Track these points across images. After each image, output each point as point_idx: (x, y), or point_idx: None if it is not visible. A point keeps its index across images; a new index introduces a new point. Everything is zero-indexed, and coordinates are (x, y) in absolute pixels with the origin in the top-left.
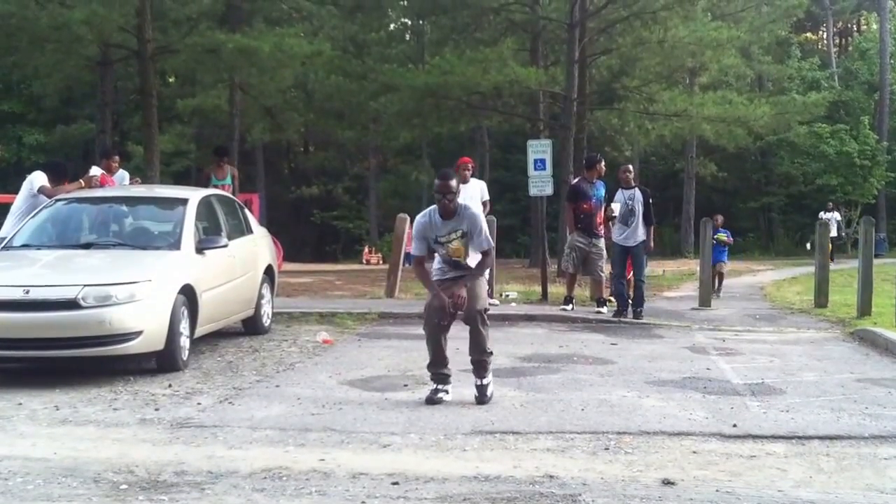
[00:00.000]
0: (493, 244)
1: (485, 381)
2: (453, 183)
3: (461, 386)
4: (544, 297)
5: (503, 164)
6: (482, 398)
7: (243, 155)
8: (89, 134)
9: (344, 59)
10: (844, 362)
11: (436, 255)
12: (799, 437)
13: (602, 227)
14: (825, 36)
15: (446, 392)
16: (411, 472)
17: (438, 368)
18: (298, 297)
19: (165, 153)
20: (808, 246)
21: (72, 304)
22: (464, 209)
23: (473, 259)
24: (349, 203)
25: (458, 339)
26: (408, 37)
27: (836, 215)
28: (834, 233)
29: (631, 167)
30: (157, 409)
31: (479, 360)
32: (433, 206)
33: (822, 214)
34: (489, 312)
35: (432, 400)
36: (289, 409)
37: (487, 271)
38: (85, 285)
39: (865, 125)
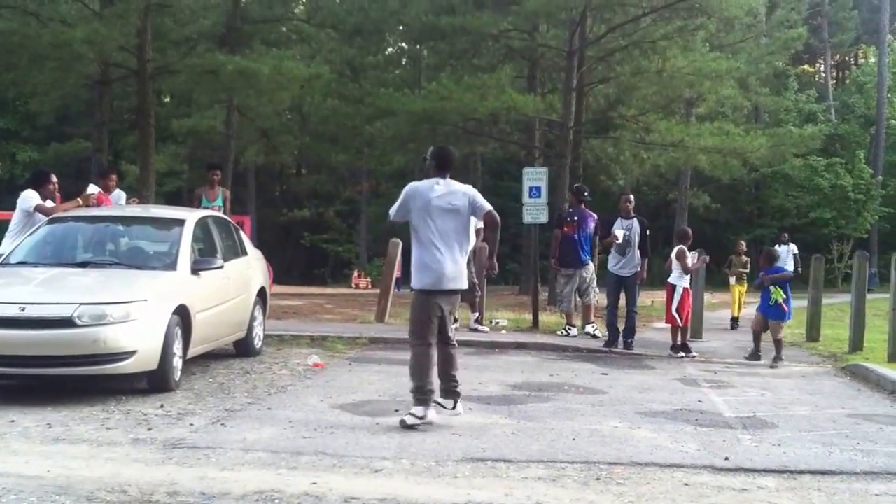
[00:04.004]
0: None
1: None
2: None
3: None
4: (535, 325)
5: (494, 190)
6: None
7: (235, 177)
8: (83, 152)
9: (340, 82)
10: (836, 397)
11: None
12: (791, 472)
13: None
14: (822, 68)
15: (442, 407)
16: (403, 498)
17: (422, 383)
18: (289, 320)
19: (158, 173)
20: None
21: (67, 323)
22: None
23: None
24: (340, 226)
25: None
26: (404, 61)
27: (793, 247)
28: (790, 267)
29: (632, 197)
30: (149, 429)
31: (448, 387)
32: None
33: (776, 248)
34: (478, 339)
35: (407, 423)
36: (281, 432)
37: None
38: (81, 304)
39: (861, 159)
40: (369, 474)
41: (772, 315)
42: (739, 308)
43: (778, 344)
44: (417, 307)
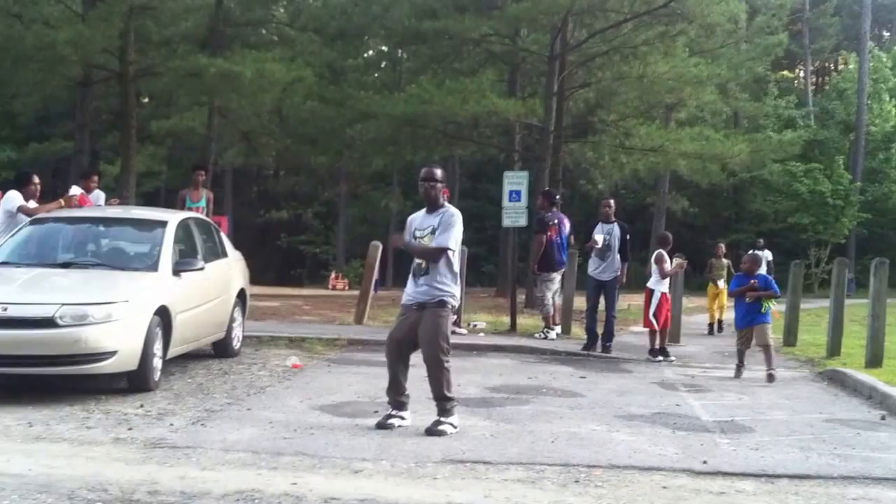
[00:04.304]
0: (450, 246)
1: (442, 419)
2: (438, 171)
3: (431, 414)
4: (513, 327)
5: (472, 193)
6: (431, 430)
7: (213, 178)
8: (62, 152)
9: (321, 84)
10: (813, 402)
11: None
12: (768, 476)
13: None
14: (803, 74)
15: (401, 418)
16: (383, 499)
17: (394, 395)
18: (267, 321)
19: (136, 173)
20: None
21: (49, 323)
22: (446, 208)
23: (434, 267)
24: (317, 228)
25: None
26: (384, 64)
27: (768, 254)
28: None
29: (612, 202)
30: (129, 429)
31: (438, 403)
32: None
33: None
34: (455, 342)
35: (382, 425)
36: (261, 433)
37: (456, 302)
38: (63, 304)
39: (840, 165)
40: (349, 475)
41: (760, 320)
42: (722, 312)
43: (768, 351)
44: (449, 325)
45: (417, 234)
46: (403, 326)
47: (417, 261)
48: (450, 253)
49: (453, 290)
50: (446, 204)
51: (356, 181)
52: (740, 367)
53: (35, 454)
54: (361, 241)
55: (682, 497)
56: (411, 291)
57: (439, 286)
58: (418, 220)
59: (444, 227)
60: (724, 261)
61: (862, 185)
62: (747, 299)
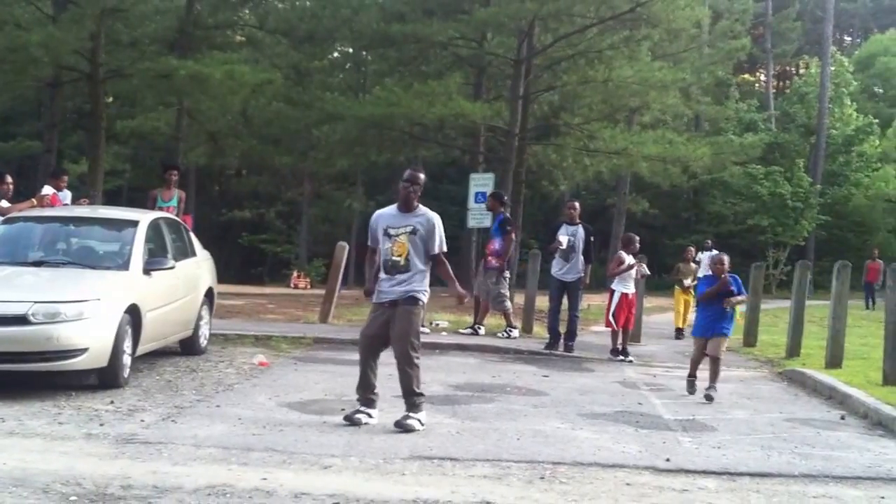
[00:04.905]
0: (444, 250)
1: (410, 414)
2: (422, 176)
3: (397, 413)
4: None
5: (433, 194)
6: (400, 423)
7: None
8: (27, 151)
9: (286, 86)
10: (774, 402)
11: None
12: (730, 474)
13: (490, 258)
14: (764, 78)
15: (369, 415)
16: (352, 494)
17: (364, 392)
18: (232, 319)
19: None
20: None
21: (21, 320)
22: (424, 211)
23: (414, 265)
24: (280, 227)
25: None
26: (348, 66)
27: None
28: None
29: (577, 204)
30: (101, 425)
31: (407, 399)
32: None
33: (701, 254)
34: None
35: (350, 419)
36: (230, 429)
37: (426, 298)
38: (35, 302)
39: (800, 168)
40: (319, 470)
41: (721, 331)
42: (685, 318)
43: (716, 365)
44: (420, 322)
45: (391, 231)
46: (375, 323)
47: (395, 257)
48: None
49: (426, 288)
50: (421, 206)
51: (319, 181)
52: (692, 380)
53: (8, 449)
54: (324, 241)
55: (645, 494)
56: (386, 289)
57: (414, 284)
58: (389, 217)
59: (438, 234)
60: (693, 265)
61: (822, 188)
62: (726, 307)
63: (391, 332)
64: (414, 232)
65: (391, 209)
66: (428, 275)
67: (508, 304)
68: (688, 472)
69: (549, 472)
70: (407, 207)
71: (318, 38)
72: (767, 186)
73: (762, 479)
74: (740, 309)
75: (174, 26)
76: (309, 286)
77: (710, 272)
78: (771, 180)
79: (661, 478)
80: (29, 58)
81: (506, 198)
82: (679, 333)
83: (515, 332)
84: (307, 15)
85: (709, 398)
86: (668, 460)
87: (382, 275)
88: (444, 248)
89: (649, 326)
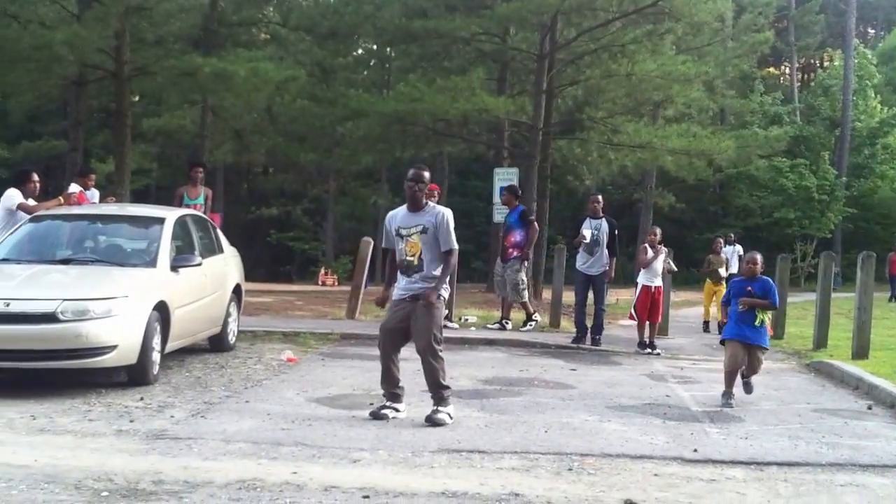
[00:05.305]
0: (456, 247)
1: (440, 409)
2: (426, 174)
3: (425, 407)
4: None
5: (460, 190)
6: (430, 418)
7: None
8: (53, 150)
9: (310, 83)
10: (801, 393)
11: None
12: (758, 463)
13: (511, 250)
14: (788, 71)
15: (395, 410)
16: (381, 487)
17: (388, 387)
18: (260, 316)
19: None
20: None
21: (50, 318)
22: (432, 208)
23: (429, 263)
24: (306, 225)
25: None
26: (373, 63)
27: (739, 248)
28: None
29: (600, 198)
30: (131, 421)
31: (434, 393)
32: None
33: (724, 248)
34: (447, 336)
35: (377, 415)
36: (260, 424)
37: (447, 293)
38: (64, 299)
39: (825, 160)
40: (348, 464)
41: (756, 339)
42: (718, 311)
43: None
44: (442, 316)
45: (403, 231)
46: (395, 317)
47: (409, 258)
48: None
49: (445, 283)
50: (430, 203)
51: (344, 178)
52: (729, 394)
53: (40, 446)
54: (350, 238)
55: (673, 484)
56: (404, 286)
57: (432, 280)
58: (400, 218)
59: (443, 227)
60: (723, 257)
61: (847, 181)
62: (740, 307)
63: (412, 326)
64: (424, 231)
65: (402, 209)
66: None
67: (527, 293)
68: (715, 462)
69: (576, 463)
70: (415, 206)
71: (341, 34)
72: (793, 179)
73: (790, 469)
74: (768, 321)
75: (198, 24)
76: (336, 283)
77: (742, 271)
78: (796, 173)
79: (688, 468)
80: (53, 56)
81: (520, 192)
82: (707, 326)
83: (535, 320)
84: (329, 11)
85: (748, 387)
86: (695, 451)
87: (400, 274)
88: (454, 246)
89: (677, 320)
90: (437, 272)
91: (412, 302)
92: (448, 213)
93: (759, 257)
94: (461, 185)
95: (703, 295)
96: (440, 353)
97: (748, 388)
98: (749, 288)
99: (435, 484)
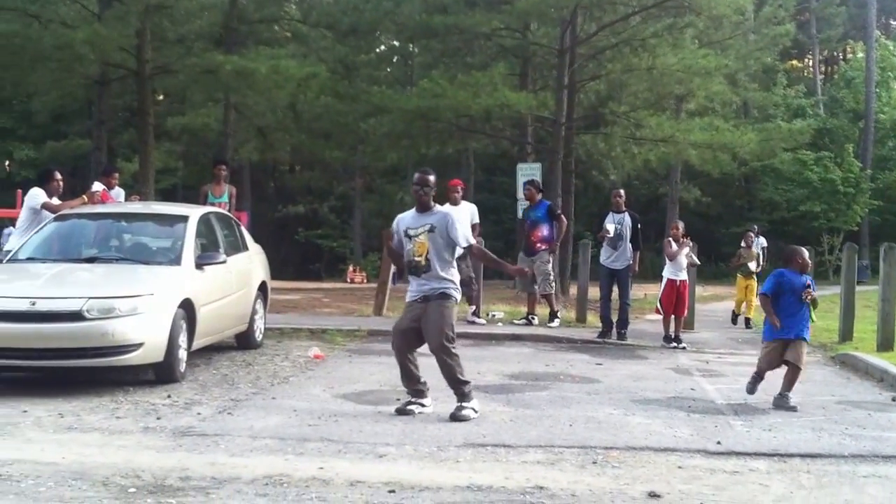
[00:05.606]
0: (473, 241)
1: (463, 404)
2: (431, 177)
3: (450, 402)
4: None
5: (487, 186)
6: (455, 415)
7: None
8: (79, 150)
9: (333, 80)
10: (826, 385)
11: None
12: (781, 455)
13: (539, 244)
14: (811, 64)
15: (421, 405)
16: (407, 482)
17: (410, 385)
18: (288, 314)
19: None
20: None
21: (76, 316)
22: (439, 209)
23: (437, 263)
24: (334, 222)
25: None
26: (396, 59)
27: (762, 241)
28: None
29: (622, 192)
30: (158, 418)
31: (455, 389)
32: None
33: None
34: (474, 332)
35: (402, 410)
36: (286, 420)
37: (459, 294)
38: (89, 298)
39: (849, 153)
40: (374, 459)
41: (803, 334)
42: (749, 305)
43: (796, 374)
44: (454, 315)
45: (411, 232)
46: (408, 318)
47: (416, 258)
48: (459, 249)
49: (456, 283)
50: (437, 205)
51: (371, 175)
52: (758, 381)
53: (67, 444)
54: (378, 235)
55: (696, 476)
56: (415, 288)
57: (442, 280)
58: (408, 220)
59: (448, 224)
60: (755, 251)
61: (872, 173)
62: (805, 298)
63: (424, 327)
64: (432, 230)
65: (411, 212)
66: (455, 271)
67: (554, 285)
68: (739, 454)
69: (601, 456)
70: (423, 208)
71: (361, 31)
72: (818, 172)
73: (812, 460)
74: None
75: (219, 22)
76: (365, 280)
77: (789, 265)
78: (821, 166)
79: (712, 460)
80: (75, 55)
81: (542, 186)
82: (735, 318)
83: (557, 316)
84: (349, 8)
85: (785, 405)
86: (719, 443)
87: (410, 277)
88: (472, 241)
89: (704, 314)
90: (447, 273)
91: (423, 303)
92: (454, 214)
93: (806, 252)
94: (488, 182)
95: (734, 290)
96: (454, 350)
97: (789, 407)
98: (809, 282)
99: (460, 478)
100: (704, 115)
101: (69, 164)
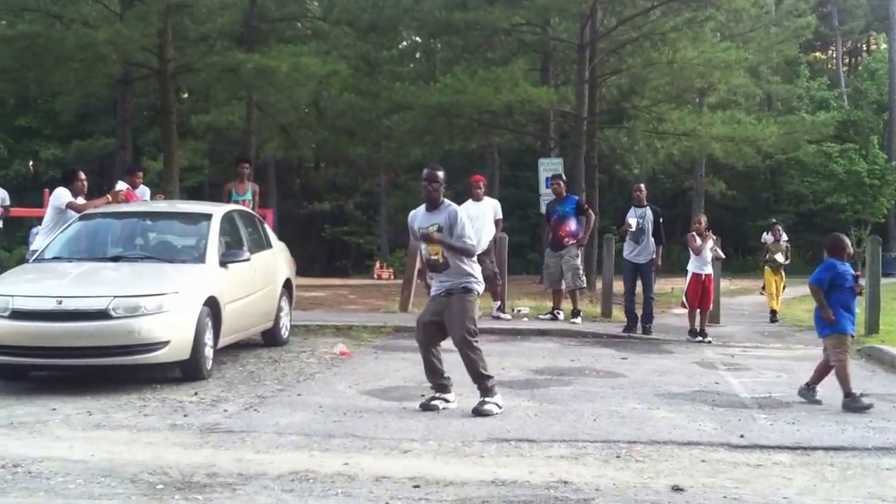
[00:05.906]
0: (472, 243)
1: (486, 399)
2: (440, 174)
3: (474, 397)
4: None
5: (512, 181)
6: (478, 410)
7: (256, 171)
8: (105, 149)
9: (356, 77)
10: (851, 378)
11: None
12: (804, 448)
13: (567, 239)
14: (834, 55)
15: (445, 400)
16: (431, 477)
17: (434, 379)
18: (314, 311)
19: (178, 168)
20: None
21: (103, 315)
22: (447, 205)
23: (454, 260)
24: (360, 218)
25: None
26: (418, 55)
27: (784, 236)
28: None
29: (643, 186)
30: (185, 416)
31: (478, 384)
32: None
33: (766, 235)
34: (499, 327)
35: (427, 406)
36: (312, 417)
37: (481, 288)
38: (115, 296)
39: (874, 145)
40: (399, 455)
41: (850, 328)
42: (773, 298)
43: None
44: (476, 309)
45: (421, 230)
46: (430, 310)
47: (433, 257)
48: (482, 244)
49: (477, 277)
50: (446, 200)
51: (396, 171)
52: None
53: (96, 441)
54: (404, 231)
55: (720, 469)
56: (438, 283)
57: (463, 275)
58: (420, 217)
59: (455, 222)
60: (783, 244)
61: None
62: (859, 291)
63: (446, 321)
64: (440, 229)
65: (421, 209)
66: (476, 264)
67: (584, 279)
68: (762, 447)
69: (624, 450)
70: (432, 205)
71: (382, 27)
72: (843, 164)
73: (836, 453)
74: None
75: (240, 20)
76: (392, 276)
77: (835, 255)
78: (846, 158)
79: (735, 453)
80: (97, 55)
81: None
82: (774, 316)
83: (579, 319)
84: (370, 5)
85: (810, 398)
86: (742, 437)
87: (430, 272)
88: (468, 243)
89: (731, 308)
90: (467, 268)
91: (447, 297)
92: (457, 207)
93: (848, 241)
94: (513, 177)
95: (762, 283)
96: (476, 344)
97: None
98: (858, 273)
99: (484, 473)
100: (727, 108)
101: (95, 162)
